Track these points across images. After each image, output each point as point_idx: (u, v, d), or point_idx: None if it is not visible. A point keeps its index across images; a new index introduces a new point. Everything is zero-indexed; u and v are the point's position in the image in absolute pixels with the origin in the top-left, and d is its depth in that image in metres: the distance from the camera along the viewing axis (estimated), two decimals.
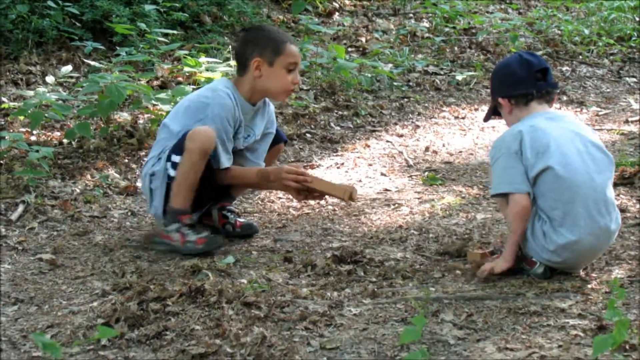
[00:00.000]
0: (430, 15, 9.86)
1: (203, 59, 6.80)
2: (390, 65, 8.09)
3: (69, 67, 6.66)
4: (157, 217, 4.63)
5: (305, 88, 7.26)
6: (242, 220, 4.77)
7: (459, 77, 8.09)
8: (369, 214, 5.10)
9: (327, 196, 4.77)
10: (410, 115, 7.33)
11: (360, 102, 7.29)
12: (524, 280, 3.97)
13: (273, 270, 4.19)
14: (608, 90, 8.44)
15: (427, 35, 9.31)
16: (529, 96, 4.08)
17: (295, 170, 4.53)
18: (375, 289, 3.89)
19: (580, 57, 9.24)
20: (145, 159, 5.64)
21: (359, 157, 6.26)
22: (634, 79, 8.77)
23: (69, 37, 7.44)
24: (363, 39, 8.99)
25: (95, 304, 3.79)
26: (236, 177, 4.60)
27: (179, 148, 4.43)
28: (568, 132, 4.01)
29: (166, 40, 7.43)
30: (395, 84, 7.78)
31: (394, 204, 5.26)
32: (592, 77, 8.76)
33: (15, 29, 7.30)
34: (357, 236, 4.72)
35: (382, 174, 5.93)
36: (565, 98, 8.01)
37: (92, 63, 6.81)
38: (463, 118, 7.34)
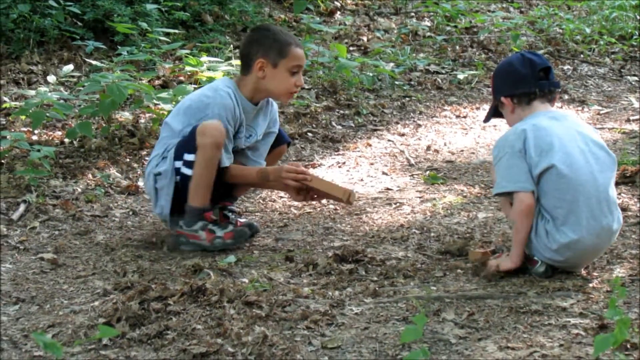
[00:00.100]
0: (432, 14, 9.85)
1: (204, 58, 6.81)
2: (391, 64, 8.09)
3: (71, 67, 6.67)
4: (161, 217, 4.62)
5: (306, 87, 7.26)
6: (243, 220, 4.77)
7: (461, 76, 8.09)
8: (370, 213, 5.10)
9: (327, 199, 4.77)
10: (411, 114, 7.33)
11: (361, 101, 7.29)
12: (526, 279, 3.97)
13: (274, 270, 4.19)
14: (609, 89, 8.43)
15: (428, 34, 9.31)
16: (531, 95, 4.08)
17: (295, 169, 4.52)
18: (377, 288, 3.89)
19: (582, 55, 9.24)
20: (147, 158, 5.64)
21: (360, 156, 6.26)
22: (635, 78, 8.77)
23: (70, 36, 7.44)
24: (364, 38, 8.99)
25: (96, 303, 3.79)
26: (236, 176, 4.60)
27: (191, 146, 4.42)
28: (571, 131, 4.01)
29: (167, 40, 7.43)
30: (396, 83, 7.78)
31: (395, 203, 5.26)
32: (593, 76, 8.75)
33: (16, 29, 7.31)
34: (358, 235, 4.72)
35: (384, 173, 5.93)
36: (566, 97, 8.01)
37: (94, 62, 6.81)
38: (464, 117, 7.34)
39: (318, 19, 9.15)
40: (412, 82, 7.99)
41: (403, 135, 6.82)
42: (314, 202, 5.13)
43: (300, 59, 4.57)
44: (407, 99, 7.60)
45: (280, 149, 4.93)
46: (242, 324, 3.45)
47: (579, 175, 3.90)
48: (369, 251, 4.35)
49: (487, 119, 4.35)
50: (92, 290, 4.00)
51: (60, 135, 5.96)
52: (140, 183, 5.41)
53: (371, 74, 7.50)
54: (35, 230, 4.77)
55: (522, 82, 4.07)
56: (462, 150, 6.51)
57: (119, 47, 7.02)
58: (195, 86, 6.43)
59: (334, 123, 6.87)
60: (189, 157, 4.43)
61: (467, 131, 7.00)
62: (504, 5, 10.85)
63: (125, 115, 6.21)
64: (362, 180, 5.78)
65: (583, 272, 4.03)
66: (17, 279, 4.15)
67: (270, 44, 4.53)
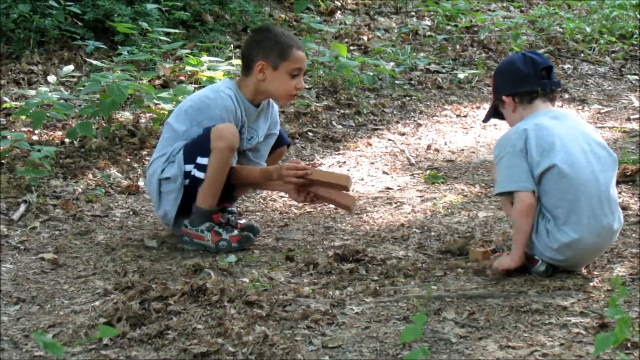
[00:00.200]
0: (432, 13, 9.85)
1: (205, 58, 6.80)
2: (392, 63, 8.09)
3: (71, 67, 6.67)
4: (164, 220, 4.61)
5: (307, 87, 7.26)
6: (243, 221, 4.76)
7: (461, 76, 8.08)
8: (370, 212, 5.10)
9: (327, 203, 4.77)
10: (412, 113, 7.33)
11: (362, 100, 7.29)
12: (526, 278, 3.96)
13: (275, 269, 4.20)
14: (610, 88, 8.43)
15: (429, 33, 9.30)
16: (533, 94, 4.07)
17: (295, 165, 4.53)
18: (377, 288, 3.89)
19: (582, 55, 9.23)
20: (147, 158, 5.64)
21: (360, 156, 6.26)
22: (636, 77, 8.76)
23: (70, 36, 7.44)
24: (365, 38, 8.99)
25: (97, 303, 3.79)
26: (239, 176, 4.60)
27: (204, 149, 4.41)
28: (572, 130, 4.01)
29: (168, 40, 7.43)
30: (397, 82, 7.78)
31: (395, 203, 5.26)
32: (593, 75, 8.75)
33: (17, 29, 7.31)
34: (359, 235, 4.72)
35: (384, 173, 5.93)
36: (567, 96, 8.01)
37: (94, 62, 6.81)
38: (465, 116, 7.34)
39: (318, 18, 9.15)
40: (413, 82, 7.98)
41: (403, 134, 6.82)
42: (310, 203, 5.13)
43: (300, 61, 4.56)
44: (408, 98, 7.60)
45: (280, 150, 4.93)
46: (242, 324, 3.45)
47: (580, 174, 3.90)
48: (370, 250, 4.35)
49: (486, 119, 4.34)
50: (92, 290, 4.00)
51: (61, 135, 5.95)
52: (141, 183, 5.41)
53: (371, 74, 7.50)
54: (36, 230, 4.77)
55: (524, 81, 4.07)
56: (462, 150, 6.51)
57: (120, 47, 7.01)
58: (196, 86, 6.44)
59: (334, 122, 6.87)
60: (202, 160, 4.42)
61: (468, 130, 7.00)
62: (504, 4, 10.85)
63: (125, 115, 6.21)
64: (362, 179, 5.78)
65: (584, 271, 4.03)
66: (17, 279, 4.15)
67: (271, 46, 4.52)
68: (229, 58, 7.15)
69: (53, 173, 5.38)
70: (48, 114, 5.78)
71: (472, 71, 8.23)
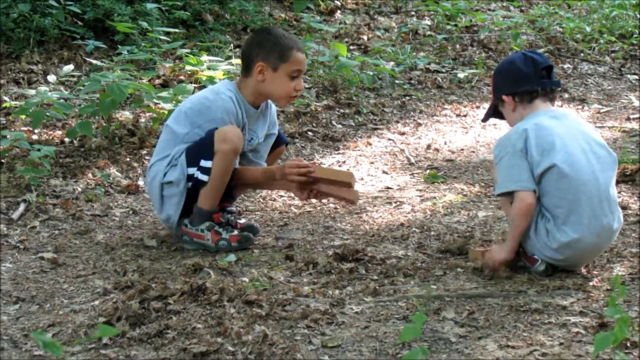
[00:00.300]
0: (432, 13, 9.85)
1: (205, 57, 6.80)
2: (392, 63, 8.09)
3: (71, 66, 6.67)
4: (167, 224, 4.61)
5: (307, 86, 7.26)
6: (243, 221, 4.76)
7: (461, 75, 8.08)
8: (370, 211, 5.10)
9: (330, 197, 4.76)
10: (412, 113, 7.33)
11: (362, 100, 7.29)
12: (526, 277, 3.97)
13: (274, 269, 4.19)
14: (609, 87, 8.43)
15: (428, 33, 9.30)
16: (533, 93, 4.07)
17: (297, 164, 4.53)
18: (377, 287, 3.89)
19: (582, 54, 9.24)
20: (147, 157, 5.64)
21: (360, 155, 6.26)
22: (636, 76, 8.76)
23: (70, 35, 7.44)
24: (365, 37, 8.99)
25: (96, 302, 3.79)
26: (242, 177, 4.59)
27: (208, 152, 4.41)
28: (573, 130, 4.01)
29: (168, 39, 7.43)
30: (397, 82, 7.78)
31: (395, 202, 5.26)
32: (593, 75, 8.75)
33: (16, 28, 7.31)
34: (358, 234, 4.72)
35: (384, 172, 5.93)
36: (566, 95, 8.01)
37: (94, 62, 6.81)
38: (465, 116, 7.34)
39: (318, 18, 9.15)
40: (413, 81, 7.98)
41: (403, 134, 6.82)
42: (314, 201, 5.13)
43: (300, 63, 4.56)
44: (408, 97, 7.60)
45: (279, 149, 4.93)
46: (242, 323, 3.45)
47: (580, 174, 3.90)
48: (369, 250, 4.35)
49: (485, 119, 4.34)
50: (92, 289, 4.00)
51: (61, 135, 5.95)
52: (141, 182, 5.41)
53: (371, 73, 7.50)
54: (36, 230, 4.77)
55: (525, 81, 4.07)
56: (462, 149, 6.51)
57: (119, 47, 7.02)
58: (196, 85, 6.44)
59: (334, 122, 6.87)
60: (206, 163, 4.41)
61: (467, 130, 7.00)
62: (504, 4, 10.85)
63: (125, 115, 6.21)
64: (362, 179, 5.78)
65: (583, 270, 4.03)
66: (17, 278, 4.15)
67: (271, 48, 4.51)
68: (229, 57, 7.15)
69: (53, 172, 5.38)
70: (48, 114, 5.79)
71: (472, 71, 8.23)
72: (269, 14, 9.09)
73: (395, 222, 4.90)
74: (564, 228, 3.90)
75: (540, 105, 4.07)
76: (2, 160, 5.44)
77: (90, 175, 5.46)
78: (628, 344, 3.17)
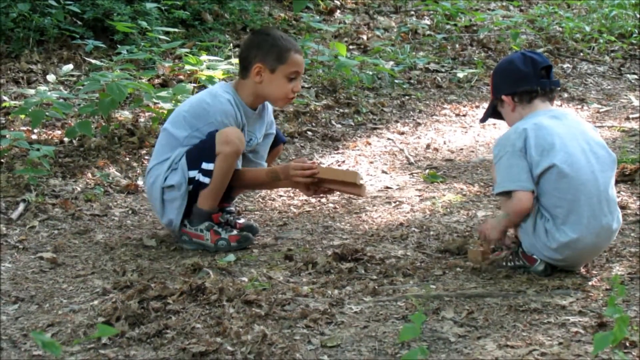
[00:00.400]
0: (432, 12, 9.86)
1: (204, 57, 6.80)
2: (391, 62, 8.09)
3: (70, 66, 6.67)
4: (170, 228, 4.60)
5: (306, 86, 7.26)
6: (242, 221, 4.76)
7: (460, 75, 8.09)
8: (369, 211, 5.10)
9: (336, 191, 4.74)
10: (411, 112, 7.33)
11: (361, 99, 7.29)
12: (525, 277, 3.97)
13: (274, 269, 4.19)
14: (609, 87, 8.43)
15: (428, 32, 9.31)
16: (533, 93, 4.07)
17: (301, 165, 4.52)
18: (376, 287, 3.89)
19: (581, 54, 9.24)
20: (147, 157, 5.64)
21: (360, 155, 6.26)
22: (635, 76, 8.76)
23: (70, 35, 7.45)
24: (364, 37, 8.99)
25: (95, 302, 3.79)
26: (245, 178, 4.58)
27: (210, 154, 4.40)
28: (572, 130, 4.01)
29: (167, 39, 7.43)
30: (396, 81, 7.78)
31: (394, 202, 5.26)
32: (593, 74, 8.75)
33: (16, 28, 7.32)
34: (357, 234, 4.72)
35: (383, 172, 5.93)
36: (566, 95, 8.01)
37: (93, 61, 6.81)
38: (464, 115, 7.34)
39: (318, 17, 9.15)
40: (412, 81, 7.99)
41: (402, 133, 6.82)
42: (314, 200, 5.13)
43: (298, 65, 4.55)
44: (407, 97, 7.60)
45: (277, 149, 4.93)
46: (241, 323, 3.45)
47: (580, 174, 3.90)
48: (369, 250, 4.35)
49: (484, 119, 4.33)
50: (91, 289, 4.00)
51: (60, 134, 5.96)
52: (140, 182, 5.41)
53: (371, 73, 7.50)
54: (35, 230, 4.77)
55: (524, 81, 4.07)
56: (461, 149, 6.51)
57: (119, 46, 7.02)
58: (195, 85, 6.44)
59: (333, 122, 6.87)
60: (208, 166, 4.40)
61: (467, 130, 7.00)
62: (504, 3, 10.85)
63: (124, 114, 6.21)
64: (362, 179, 5.76)
65: (582, 270, 4.03)
66: (16, 278, 4.15)
67: (269, 49, 4.50)
68: (228, 57, 7.15)
69: (52, 172, 5.38)
70: (47, 113, 5.79)
71: (471, 70, 8.23)
72: (269, 13, 9.09)
73: (394, 221, 4.90)
74: (563, 228, 3.90)
75: (539, 105, 4.07)
76: (2, 160, 5.44)
77: (89, 175, 5.46)
78: (627, 344, 3.17)
